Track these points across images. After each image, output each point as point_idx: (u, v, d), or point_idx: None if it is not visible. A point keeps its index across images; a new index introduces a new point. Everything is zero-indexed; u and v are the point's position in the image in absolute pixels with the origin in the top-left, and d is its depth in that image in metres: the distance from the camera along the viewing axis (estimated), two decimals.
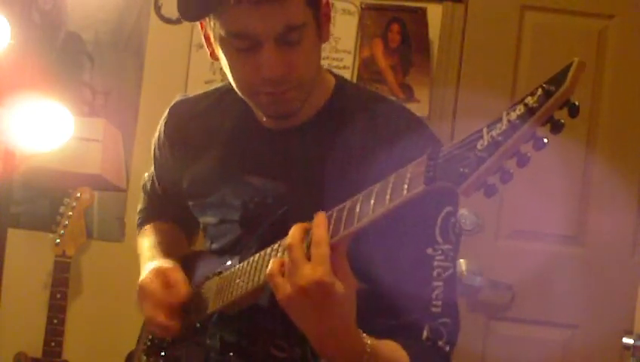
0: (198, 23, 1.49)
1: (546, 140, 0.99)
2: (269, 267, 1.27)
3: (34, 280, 3.18)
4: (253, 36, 1.37)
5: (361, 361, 1.27)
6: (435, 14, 3.08)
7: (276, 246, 1.35)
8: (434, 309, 1.39)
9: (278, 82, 1.40)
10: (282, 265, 1.25)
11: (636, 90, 3.02)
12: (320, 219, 1.23)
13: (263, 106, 1.47)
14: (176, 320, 1.55)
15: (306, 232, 1.24)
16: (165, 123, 1.71)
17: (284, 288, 1.23)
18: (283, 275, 1.24)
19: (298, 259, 1.21)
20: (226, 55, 1.44)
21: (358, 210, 1.20)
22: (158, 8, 3.21)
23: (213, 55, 1.50)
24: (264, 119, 1.52)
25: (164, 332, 1.57)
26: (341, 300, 1.21)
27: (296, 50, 1.40)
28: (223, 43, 1.42)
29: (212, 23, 1.42)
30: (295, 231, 1.24)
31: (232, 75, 1.46)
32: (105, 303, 3.18)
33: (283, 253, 1.30)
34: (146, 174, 1.88)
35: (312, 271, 1.20)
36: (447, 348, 1.40)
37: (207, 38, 1.49)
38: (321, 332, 1.25)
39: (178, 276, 1.58)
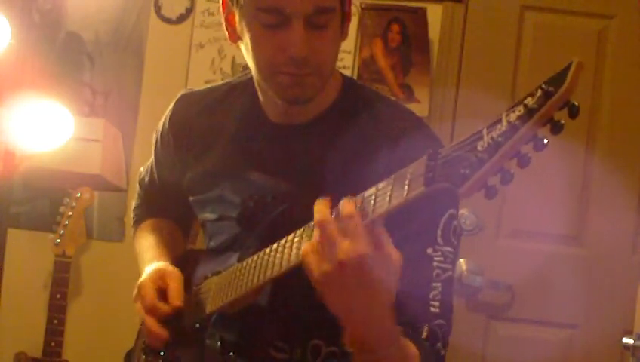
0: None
1: (546, 141, 0.99)
2: (303, 248, 1.19)
3: (34, 280, 3.18)
4: (283, 12, 1.38)
5: (390, 350, 1.20)
6: (435, 14, 3.08)
7: (275, 246, 1.34)
8: (432, 309, 1.37)
9: (301, 63, 1.41)
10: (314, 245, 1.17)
11: (636, 90, 3.02)
12: (346, 200, 1.17)
13: (281, 88, 1.46)
14: (165, 328, 1.53)
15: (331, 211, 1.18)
16: (170, 116, 1.70)
17: (321, 266, 1.15)
18: (316, 254, 1.16)
19: (334, 234, 1.14)
20: (251, 32, 1.44)
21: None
22: (158, 8, 3.20)
23: (232, 37, 1.51)
24: (278, 102, 1.49)
25: (152, 338, 1.54)
26: (382, 275, 1.15)
27: (321, 34, 1.41)
28: (250, 19, 1.42)
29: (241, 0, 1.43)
30: (322, 208, 1.17)
31: (255, 53, 1.46)
32: (105, 303, 3.18)
33: (301, 238, 1.26)
34: (142, 168, 1.87)
35: (352, 244, 1.12)
36: (443, 352, 1.39)
37: (228, 20, 1.50)
38: (359, 312, 1.17)
39: (174, 284, 1.56)
